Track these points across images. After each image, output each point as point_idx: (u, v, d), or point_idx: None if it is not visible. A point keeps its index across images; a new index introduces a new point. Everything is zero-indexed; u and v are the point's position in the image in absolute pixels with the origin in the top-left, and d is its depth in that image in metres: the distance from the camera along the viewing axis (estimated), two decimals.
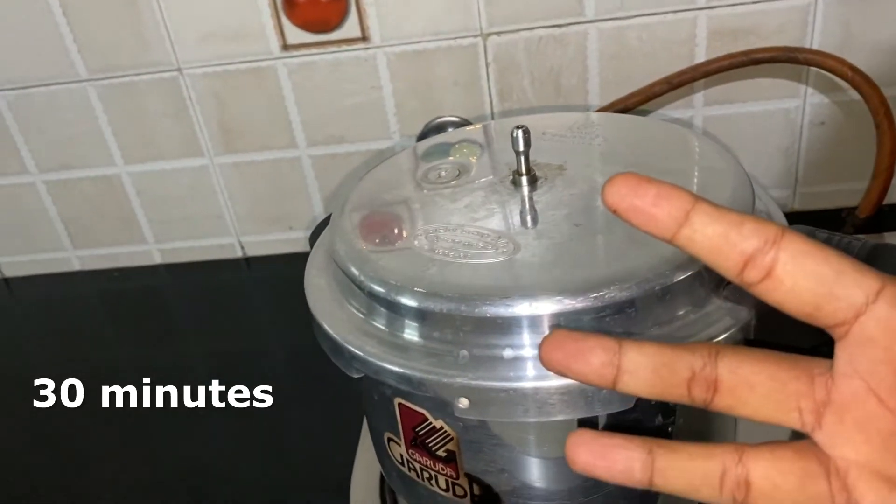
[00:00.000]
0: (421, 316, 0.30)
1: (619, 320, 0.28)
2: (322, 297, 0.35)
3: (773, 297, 0.21)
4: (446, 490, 0.33)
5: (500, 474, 0.32)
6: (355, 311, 0.33)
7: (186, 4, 0.55)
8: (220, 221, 0.66)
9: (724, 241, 0.21)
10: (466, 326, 0.29)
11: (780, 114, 0.56)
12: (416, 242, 0.33)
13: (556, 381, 0.27)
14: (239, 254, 0.67)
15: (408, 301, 0.30)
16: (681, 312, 0.29)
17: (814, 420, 0.22)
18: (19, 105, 0.61)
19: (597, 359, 0.23)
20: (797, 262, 0.20)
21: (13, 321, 0.67)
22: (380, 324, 0.32)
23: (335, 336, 0.32)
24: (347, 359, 0.32)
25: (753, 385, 0.22)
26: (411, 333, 0.31)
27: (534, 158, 0.36)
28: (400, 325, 0.31)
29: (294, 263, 0.38)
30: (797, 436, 0.22)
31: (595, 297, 0.28)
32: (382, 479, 0.42)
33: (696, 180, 0.36)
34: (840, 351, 0.21)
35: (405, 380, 0.29)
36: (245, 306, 0.64)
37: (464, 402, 0.28)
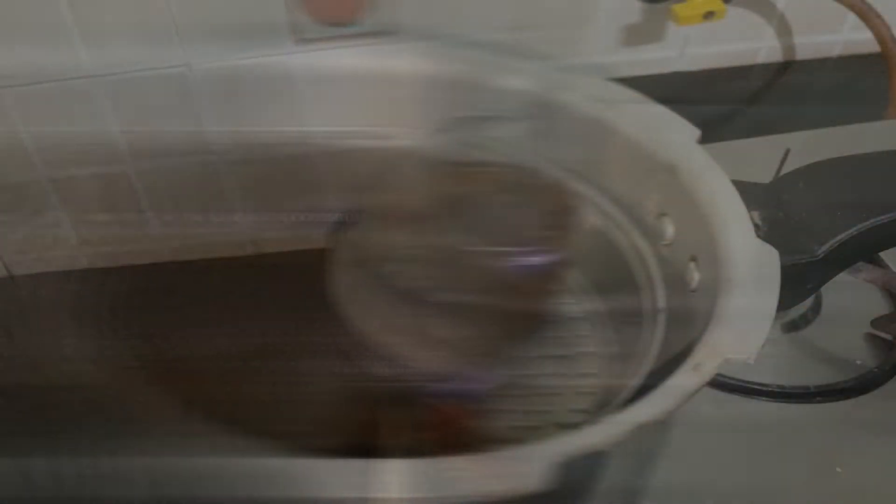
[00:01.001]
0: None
1: None
2: (348, 294, 0.35)
3: None
4: None
5: None
6: (381, 309, 0.33)
7: None
8: (229, 218, 0.65)
9: None
10: None
11: None
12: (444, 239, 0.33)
13: None
14: (250, 251, 0.67)
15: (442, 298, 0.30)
16: None
17: None
18: (25, 101, 0.61)
19: None
20: None
21: (20, 319, 0.67)
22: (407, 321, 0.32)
23: (363, 333, 0.32)
24: (376, 356, 0.32)
25: None
26: (442, 332, 0.30)
27: None
28: (430, 323, 0.31)
29: (308, 261, 0.38)
30: None
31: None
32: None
33: None
34: None
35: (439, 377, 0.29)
36: (257, 304, 0.63)
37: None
